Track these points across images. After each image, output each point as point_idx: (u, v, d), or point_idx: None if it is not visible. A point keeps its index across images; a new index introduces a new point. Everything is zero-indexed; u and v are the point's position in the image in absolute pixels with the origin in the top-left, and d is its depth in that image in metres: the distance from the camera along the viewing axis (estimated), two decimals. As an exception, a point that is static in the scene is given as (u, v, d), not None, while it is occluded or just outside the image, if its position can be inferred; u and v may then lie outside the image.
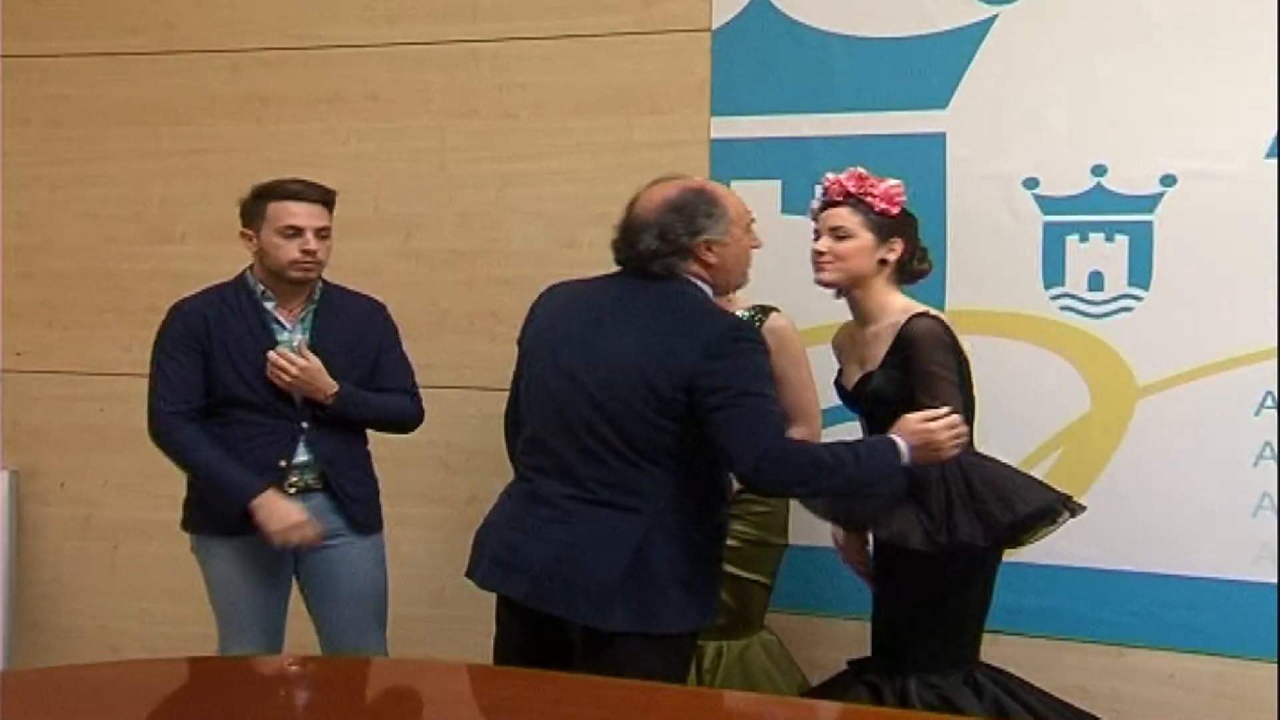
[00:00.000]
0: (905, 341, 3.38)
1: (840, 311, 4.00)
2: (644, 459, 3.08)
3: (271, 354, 3.57)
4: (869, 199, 3.47)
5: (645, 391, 3.05)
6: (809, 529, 4.01)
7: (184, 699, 2.74)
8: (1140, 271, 3.81)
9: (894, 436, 3.12)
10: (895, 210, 3.48)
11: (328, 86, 4.52)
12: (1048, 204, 3.87)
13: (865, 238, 3.47)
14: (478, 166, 4.39)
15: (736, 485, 3.58)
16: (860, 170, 3.53)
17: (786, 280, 4.00)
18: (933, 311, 3.46)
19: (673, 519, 3.09)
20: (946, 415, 3.15)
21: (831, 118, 4.05)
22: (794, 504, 3.86)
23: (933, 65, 3.94)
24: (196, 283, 4.58)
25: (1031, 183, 3.87)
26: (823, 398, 3.93)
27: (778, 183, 4.10)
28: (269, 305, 3.69)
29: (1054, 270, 3.87)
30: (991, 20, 3.89)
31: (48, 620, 4.89)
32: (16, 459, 4.89)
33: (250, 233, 3.68)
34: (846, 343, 3.62)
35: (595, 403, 3.10)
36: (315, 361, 3.59)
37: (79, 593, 4.86)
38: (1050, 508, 3.32)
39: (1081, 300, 3.86)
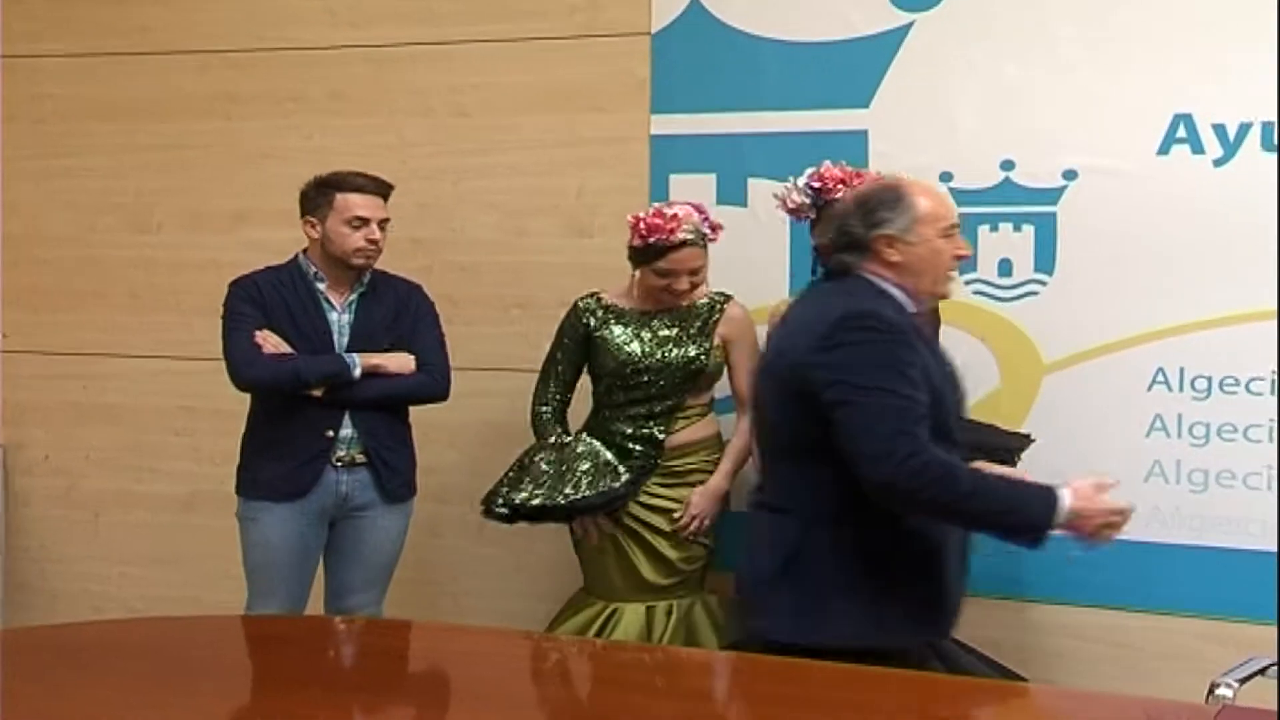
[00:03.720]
0: None
1: (764, 296, 4.05)
2: (794, 458, 2.79)
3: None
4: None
5: (780, 386, 2.79)
6: (746, 496, 4.04)
7: (163, 655, 2.72)
8: (1045, 259, 3.84)
9: (1060, 491, 2.68)
10: None
11: (293, 86, 4.49)
12: (961, 196, 3.84)
13: None
14: (434, 161, 4.37)
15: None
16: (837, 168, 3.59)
17: (720, 267, 4.03)
18: None
19: (829, 523, 2.75)
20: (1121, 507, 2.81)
21: (762, 115, 4.05)
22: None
23: (855, 67, 3.95)
24: (172, 269, 4.61)
25: (946, 176, 3.88)
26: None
27: (713, 176, 4.10)
28: (320, 286, 3.73)
29: (967, 257, 3.90)
30: (909, 26, 3.90)
31: (34, 583, 4.87)
32: (4, 433, 4.86)
33: (314, 220, 3.70)
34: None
35: (759, 404, 2.93)
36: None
37: (62, 558, 4.84)
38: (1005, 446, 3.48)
39: (992, 285, 3.89)
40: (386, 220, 3.73)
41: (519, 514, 3.70)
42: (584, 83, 4.22)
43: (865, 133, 3.94)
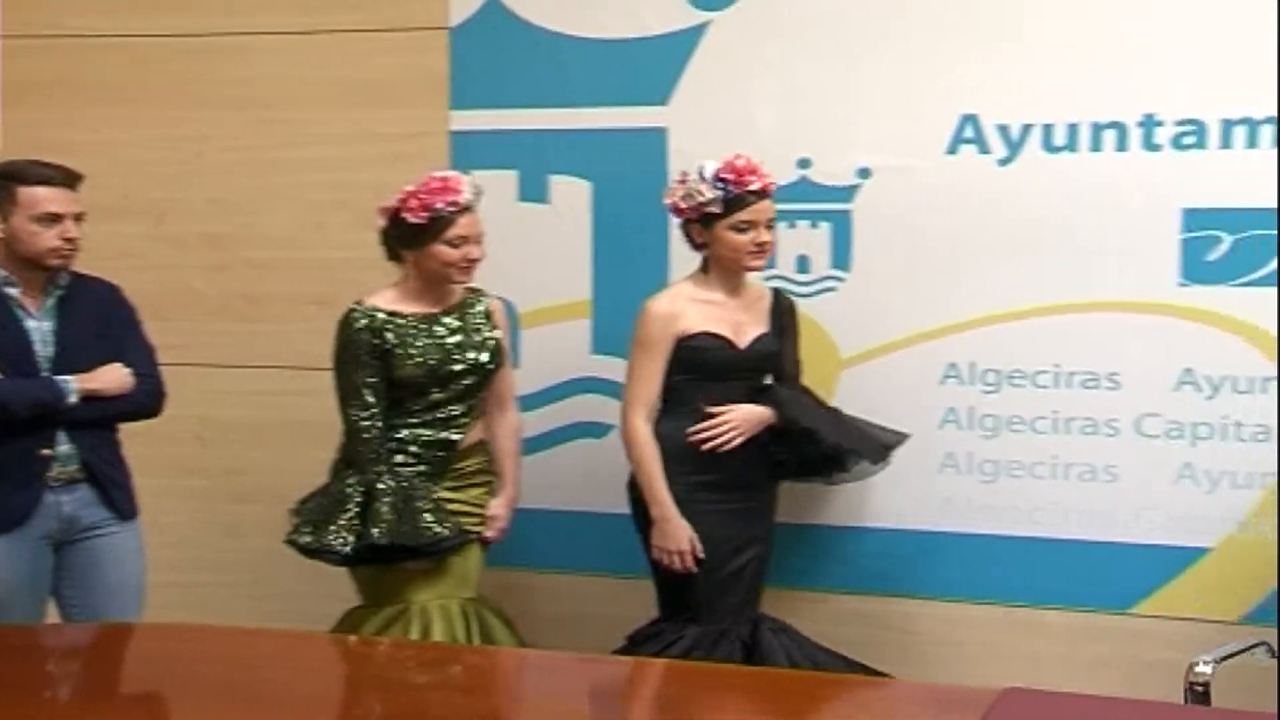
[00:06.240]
0: (788, 307, 3.67)
1: (567, 293, 4.07)
2: None
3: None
4: (771, 188, 3.57)
5: None
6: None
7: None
8: (841, 255, 3.92)
9: None
10: None
11: (77, 75, 4.35)
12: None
13: None
14: (228, 154, 4.29)
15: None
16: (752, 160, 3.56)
17: (523, 265, 4.08)
18: None
19: None
20: None
21: (563, 112, 4.05)
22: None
23: (653, 65, 3.98)
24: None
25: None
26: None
27: (514, 173, 4.10)
28: (12, 292, 3.38)
29: (766, 254, 3.97)
30: (704, 26, 3.94)
31: None
32: None
33: None
34: (715, 311, 3.59)
35: None
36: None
37: None
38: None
39: (790, 281, 3.95)
40: (82, 215, 3.41)
41: (364, 556, 3.53)
42: (381, 77, 4.18)
43: (665, 130, 3.98)
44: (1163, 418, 3.74)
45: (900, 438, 3.74)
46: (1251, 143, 3.58)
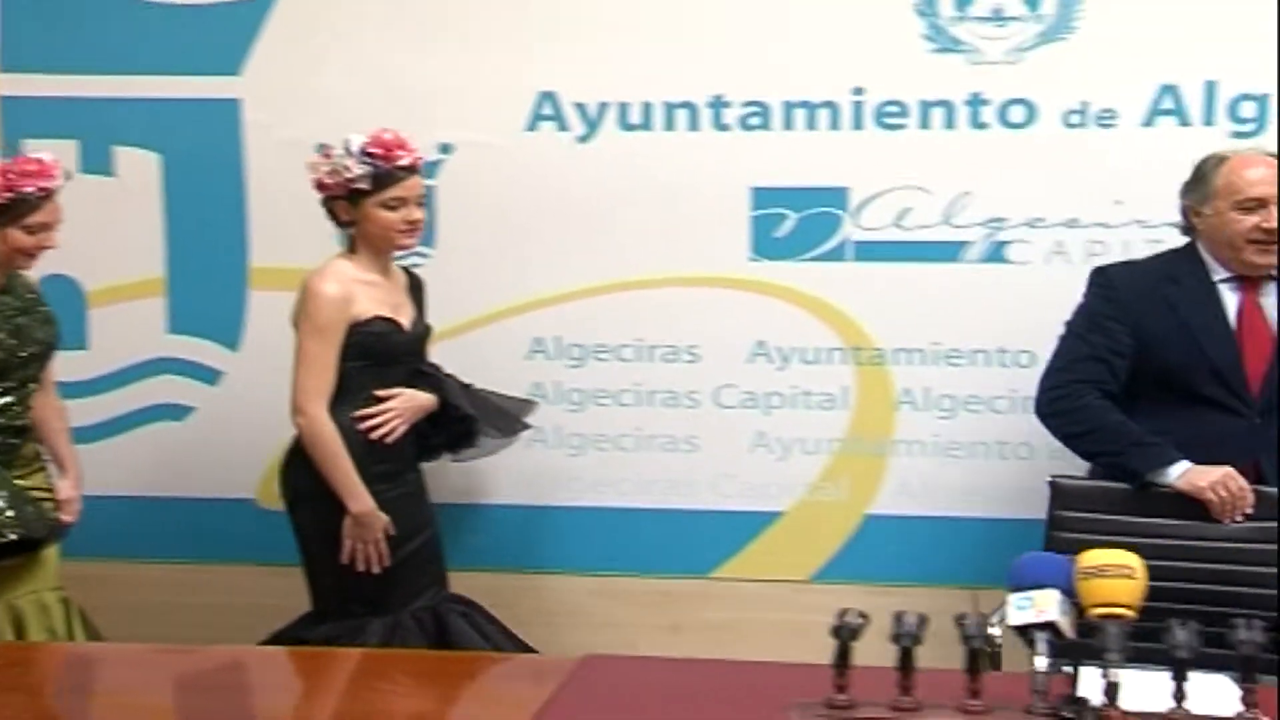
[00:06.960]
0: (419, 284, 3.55)
1: (138, 270, 3.89)
2: None
3: None
4: (420, 164, 3.42)
5: None
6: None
7: None
8: (425, 232, 3.86)
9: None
10: None
11: None
12: (338, 169, 3.88)
13: None
14: None
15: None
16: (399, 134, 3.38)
17: (89, 241, 3.86)
18: None
19: None
20: None
21: (128, 79, 3.86)
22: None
23: (224, 33, 3.84)
24: None
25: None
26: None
27: (75, 142, 3.87)
28: None
29: (356, 229, 3.89)
30: (276, -7, 3.85)
31: None
32: None
33: None
34: (379, 293, 3.41)
35: None
36: None
37: None
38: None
39: (380, 258, 3.92)
40: None
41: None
42: (-79, 37, 3.87)
43: (238, 101, 3.85)
44: (738, 388, 3.89)
45: (529, 406, 3.77)
46: (811, 125, 3.75)
